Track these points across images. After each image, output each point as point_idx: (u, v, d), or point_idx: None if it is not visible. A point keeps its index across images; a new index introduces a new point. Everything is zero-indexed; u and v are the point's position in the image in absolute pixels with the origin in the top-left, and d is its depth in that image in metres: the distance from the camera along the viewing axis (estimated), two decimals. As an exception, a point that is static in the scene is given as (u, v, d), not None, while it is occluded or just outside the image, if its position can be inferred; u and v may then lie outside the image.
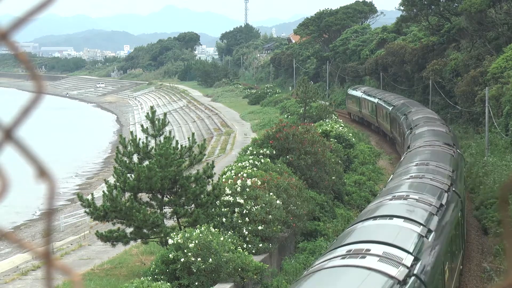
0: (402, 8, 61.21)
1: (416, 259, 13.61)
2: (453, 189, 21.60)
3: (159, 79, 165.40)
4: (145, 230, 20.23)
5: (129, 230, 20.59)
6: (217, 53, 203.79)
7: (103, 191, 20.59)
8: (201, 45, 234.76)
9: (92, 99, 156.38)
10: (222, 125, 73.32)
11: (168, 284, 17.17)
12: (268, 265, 19.76)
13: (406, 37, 71.63)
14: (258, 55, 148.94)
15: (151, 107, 22.73)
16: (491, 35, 51.55)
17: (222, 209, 21.39)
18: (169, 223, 21.69)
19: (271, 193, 22.32)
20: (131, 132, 22.40)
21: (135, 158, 21.28)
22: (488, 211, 28.59)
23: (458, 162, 27.34)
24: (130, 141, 21.21)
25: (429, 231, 15.90)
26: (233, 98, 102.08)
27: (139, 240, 21.12)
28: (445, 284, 15.85)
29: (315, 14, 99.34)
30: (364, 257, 12.97)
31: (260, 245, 20.76)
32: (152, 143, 21.35)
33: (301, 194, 24.27)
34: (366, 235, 14.95)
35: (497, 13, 49.12)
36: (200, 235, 18.22)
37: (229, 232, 20.25)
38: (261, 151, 28.45)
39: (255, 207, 21.39)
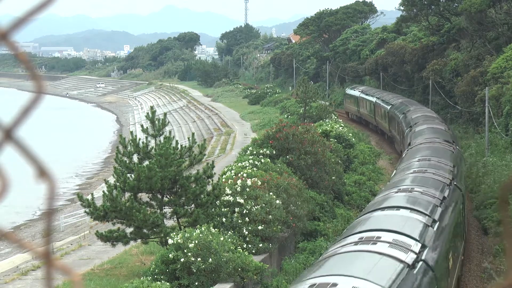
0: (402, 8, 61.23)
1: (423, 246, 14.54)
2: (455, 183, 22.59)
3: (159, 79, 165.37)
4: (145, 230, 20.23)
5: (129, 230, 20.59)
6: (217, 53, 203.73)
7: (103, 191, 20.59)
8: (201, 45, 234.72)
9: (92, 99, 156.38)
10: (222, 125, 73.32)
11: (168, 284, 17.17)
12: (268, 265, 19.76)
13: (406, 37, 71.64)
14: (258, 55, 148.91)
15: (151, 107, 22.73)
16: (491, 35, 51.55)
17: (222, 209, 21.39)
18: (169, 223, 21.68)
19: (271, 193, 22.32)
20: (131, 132, 22.40)
21: (135, 158, 21.28)
22: (488, 211, 28.58)
23: (458, 158, 28.40)
24: (130, 141, 21.20)
25: (434, 221, 16.91)
26: (233, 98, 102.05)
27: (139, 240, 21.12)
28: (449, 270, 16.79)
29: (315, 14, 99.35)
30: (375, 244, 13.92)
31: (260, 245, 20.76)
32: (152, 143, 21.35)
33: (301, 194, 24.27)
34: (376, 224, 15.90)
35: (497, 13, 49.12)
36: (200, 235, 18.22)
37: (229, 232, 20.24)
38: (261, 151, 28.45)
39: (255, 207, 21.39)
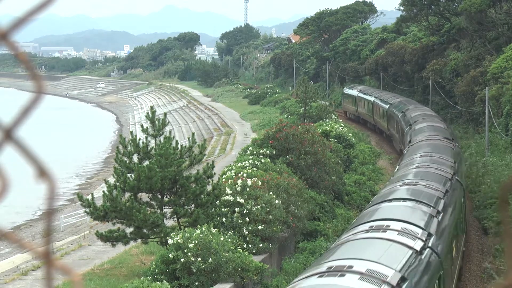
0: (402, 8, 61.23)
1: (430, 235, 15.59)
2: (456, 177, 23.66)
3: (159, 79, 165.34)
4: (145, 230, 20.23)
5: (129, 230, 20.59)
6: (217, 53, 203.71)
7: (103, 191, 20.59)
8: (201, 45, 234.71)
9: (92, 99, 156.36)
10: (222, 125, 73.31)
11: (168, 284, 17.16)
12: (268, 265, 19.76)
13: (406, 37, 71.63)
14: (258, 55, 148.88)
15: (151, 107, 22.73)
16: (491, 35, 51.55)
17: (222, 209, 21.39)
18: (169, 223, 21.68)
19: (271, 193, 22.32)
20: (131, 132, 22.40)
21: (135, 158, 21.27)
22: (488, 211, 28.57)
23: (458, 154, 29.40)
24: (130, 141, 21.20)
25: (438, 212, 17.99)
26: (233, 98, 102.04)
27: (139, 240, 21.11)
28: (453, 258, 17.93)
29: (315, 14, 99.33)
30: (385, 231, 14.94)
31: (260, 245, 20.76)
32: (152, 143, 21.35)
33: (301, 194, 24.27)
34: (384, 214, 16.94)
35: (497, 13, 49.12)
36: (200, 235, 18.21)
37: (229, 232, 20.24)
38: (261, 151, 28.44)
39: (255, 207, 21.38)
